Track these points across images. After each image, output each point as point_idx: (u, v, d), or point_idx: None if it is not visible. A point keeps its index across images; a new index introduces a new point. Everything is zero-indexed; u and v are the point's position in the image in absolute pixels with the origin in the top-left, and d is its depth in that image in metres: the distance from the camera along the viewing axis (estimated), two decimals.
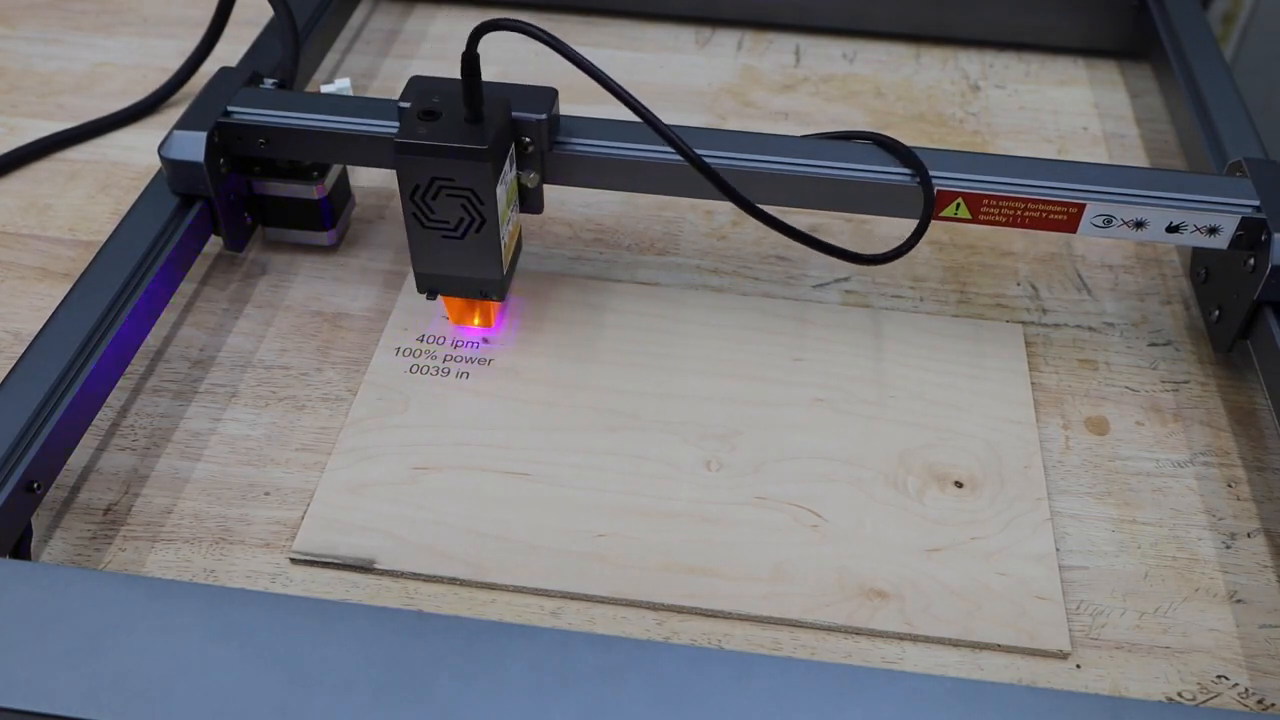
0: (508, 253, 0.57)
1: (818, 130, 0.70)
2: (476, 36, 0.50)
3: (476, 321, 0.60)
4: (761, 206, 0.55)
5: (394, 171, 0.53)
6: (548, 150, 0.57)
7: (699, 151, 0.54)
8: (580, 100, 0.63)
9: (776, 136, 0.60)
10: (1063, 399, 0.59)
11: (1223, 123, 0.68)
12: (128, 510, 0.52)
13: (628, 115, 0.53)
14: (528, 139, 0.56)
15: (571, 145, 0.58)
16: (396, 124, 0.58)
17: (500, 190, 0.54)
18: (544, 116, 0.56)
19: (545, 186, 0.59)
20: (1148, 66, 0.82)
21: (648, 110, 0.52)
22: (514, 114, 0.55)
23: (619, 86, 0.51)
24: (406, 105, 0.54)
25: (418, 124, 0.52)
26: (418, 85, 0.55)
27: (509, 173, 0.55)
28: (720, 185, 0.54)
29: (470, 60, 0.51)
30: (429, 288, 0.58)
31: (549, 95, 0.56)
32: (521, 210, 0.59)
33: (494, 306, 0.60)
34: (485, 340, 0.60)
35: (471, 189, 0.53)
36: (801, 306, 0.63)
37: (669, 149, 0.54)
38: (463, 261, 0.56)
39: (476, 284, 0.57)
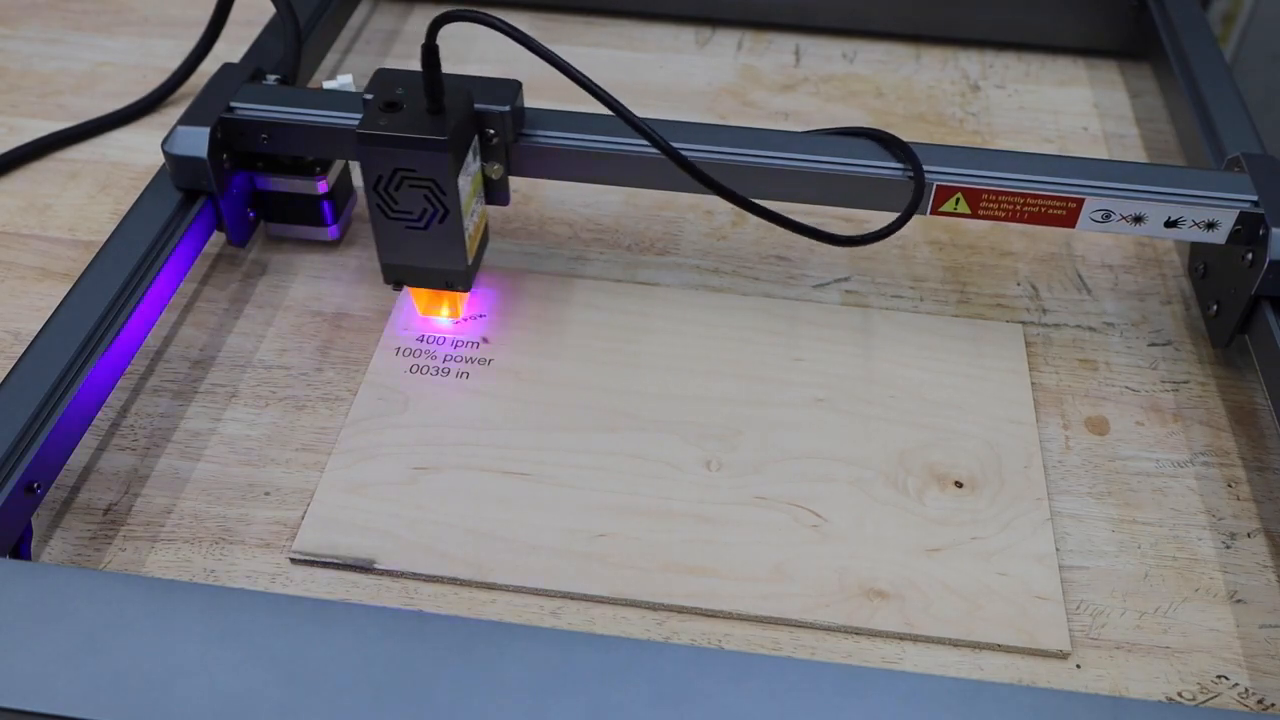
0: (472, 244, 0.57)
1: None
2: (435, 28, 0.50)
3: (444, 313, 0.60)
4: (755, 200, 0.55)
5: None
6: (512, 142, 0.57)
7: (692, 147, 0.54)
8: (580, 99, 0.62)
9: (771, 131, 0.60)
10: (1063, 399, 0.59)
11: (1222, 122, 0.68)
12: (128, 510, 0.52)
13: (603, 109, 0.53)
14: (491, 131, 0.56)
15: (536, 137, 0.58)
16: None
17: (463, 181, 0.54)
18: (507, 108, 0.56)
19: (530, 181, 0.59)
20: (1148, 66, 0.82)
21: (613, 97, 0.52)
22: (477, 106, 0.55)
23: (583, 75, 0.51)
24: (370, 96, 0.54)
25: (379, 115, 0.53)
26: (382, 77, 0.56)
27: (472, 164, 0.56)
28: (692, 171, 0.54)
29: (429, 51, 0.51)
30: (395, 279, 0.58)
31: (513, 87, 0.57)
32: (487, 202, 0.60)
33: (460, 298, 0.60)
34: (485, 340, 0.60)
35: (433, 179, 0.53)
36: (801, 306, 0.63)
37: (636, 140, 0.54)
38: (427, 252, 0.56)
39: (441, 275, 0.57)
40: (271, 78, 0.64)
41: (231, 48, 0.73)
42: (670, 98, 0.79)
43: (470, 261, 0.57)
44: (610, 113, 0.53)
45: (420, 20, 0.85)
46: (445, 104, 0.53)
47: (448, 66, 0.53)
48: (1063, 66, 0.84)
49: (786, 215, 0.56)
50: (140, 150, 0.72)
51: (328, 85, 0.63)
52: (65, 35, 0.83)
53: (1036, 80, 0.82)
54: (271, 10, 0.70)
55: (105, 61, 0.80)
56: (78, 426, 0.51)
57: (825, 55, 0.84)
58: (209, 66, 0.69)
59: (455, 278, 0.57)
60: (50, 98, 0.77)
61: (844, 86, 0.81)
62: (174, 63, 0.77)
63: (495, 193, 0.60)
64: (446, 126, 0.52)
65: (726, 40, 0.85)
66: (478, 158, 0.57)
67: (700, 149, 0.57)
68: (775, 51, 0.84)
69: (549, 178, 0.60)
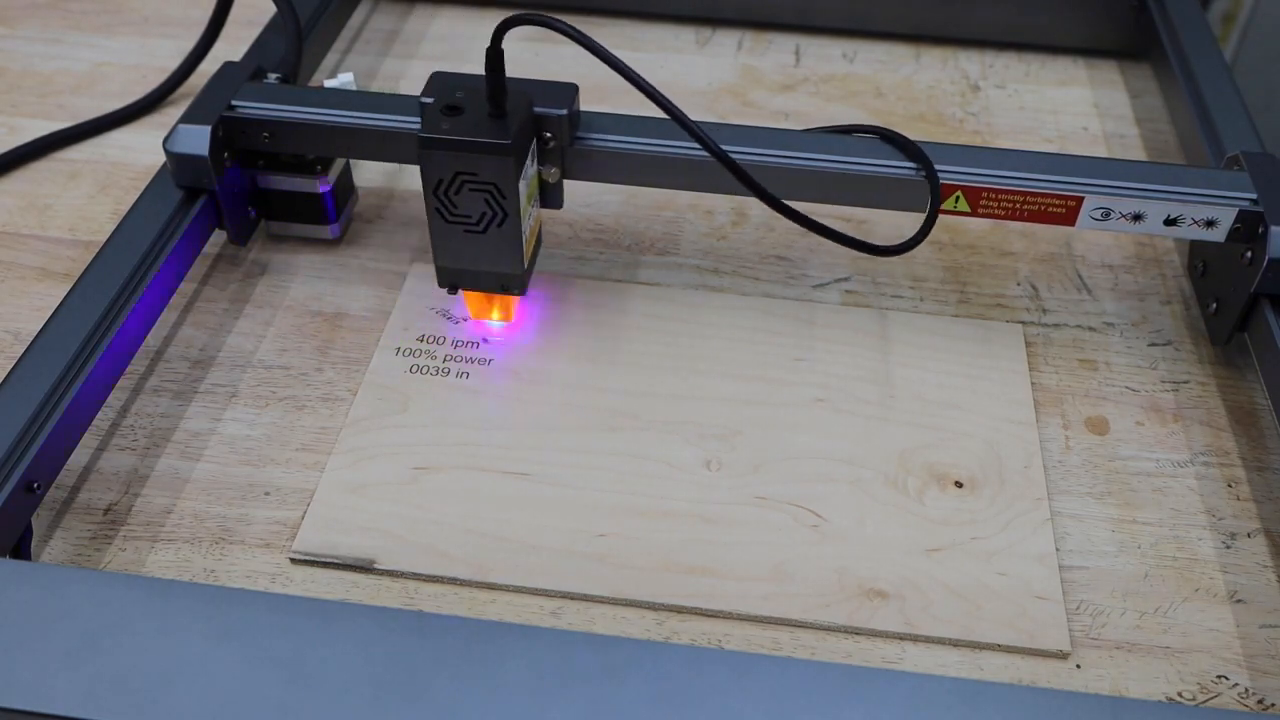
0: (529, 247, 0.57)
1: None
2: (502, 31, 0.50)
3: (495, 316, 0.60)
4: (795, 208, 0.55)
5: (397, 167, 0.53)
6: (568, 145, 0.58)
7: (730, 148, 0.54)
8: (590, 100, 0.63)
9: (783, 130, 0.60)
10: (1063, 399, 0.59)
11: (1222, 122, 0.68)
12: (128, 510, 0.52)
13: (646, 111, 0.53)
14: (549, 134, 0.57)
15: (592, 140, 0.58)
16: (400, 118, 0.59)
17: (522, 185, 0.54)
18: (565, 111, 0.56)
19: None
20: (1148, 66, 0.82)
21: (672, 103, 0.52)
22: (536, 109, 0.55)
23: (643, 79, 0.51)
24: (429, 100, 0.54)
25: (441, 119, 0.53)
26: (440, 80, 0.56)
27: (530, 167, 0.56)
28: (744, 179, 0.54)
29: (494, 55, 0.51)
30: (450, 282, 0.58)
31: (570, 91, 0.57)
32: (542, 205, 0.60)
33: (513, 301, 0.60)
34: (485, 340, 0.60)
35: (494, 183, 0.53)
36: (802, 306, 0.63)
37: (689, 143, 0.54)
38: (484, 256, 0.56)
39: (497, 278, 0.57)
40: (273, 76, 0.64)
41: (231, 47, 0.73)
42: (670, 98, 0.79)
43: (526, 264, 0.57)
44: (662, 115, 0.53)
45: (420, 20, 0.85)
46: (507, 108, 0.53)
47: (457, 66, 0.53)
48: (1063, 66, 0.84)
49: (834, 229, 0.57)
50: (140, 150, 0.72)
51: (329, 84, 0.63)
52: (65, 35, 0.83)
53: (1036, 80, 0.82)
54: (271, 10, 0.70)
55: (105, 61, 0.80)
56: (78, 426, 0.51)
57: (825, 55, 0.84)
58: (209, 66, 0.69)
59: (511, 281, 0.57)
60: (50, 98, 0.77)
61: (844, 86, 0.81)
62: (174, 63, 0.77)
63: (550, 196, 0.60)
64: (509, 130, 0.52)
65: (726, 40, 0.85)
66: (535, 161, 0.57)
67: (732, 150, 0.57)
68: (775, 51, 0.84)
69: (603, 181, 0.60)
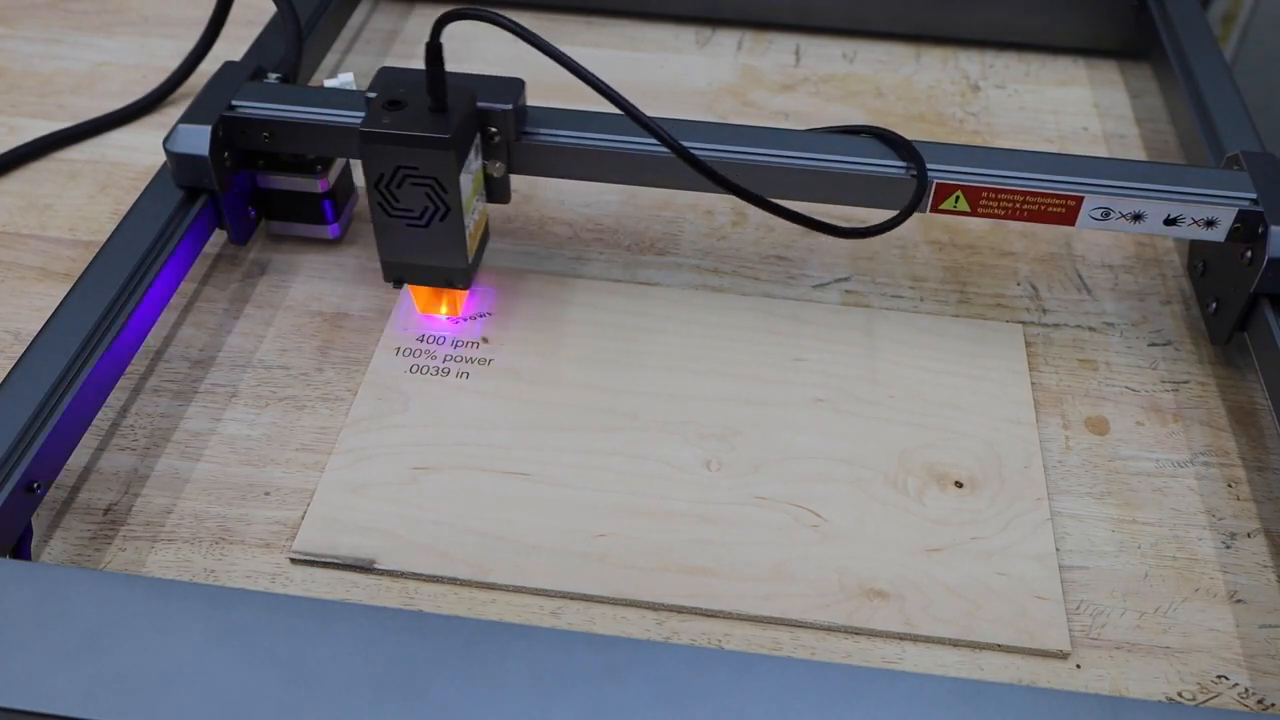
0: (473, 242, 0.58)
1: None
2: (440, 26, 0.50)
3: (443, 311, 0.61)
4: (743, 186, 0.55)
5: None
6: (514, 140, 0.58)
7: (698, 145, 0.54)
8: (584, 98, 0.63)
9: (773, 130, 0.60)
10: (1063, 399, 0.59)
11: (1222, 122, 0.68)
12: (128, 510, 0.52)
13: (601, 106, 0.53)
14: (493, 129, 0.57)
15: (539, 135, 0.58)
16: None
17: (464, 179, 0.54)
18: (509, 106, 0.56)
19: (530, 181, 0.59)
20: (1148, 66, 0.82)
21: (623, 97, 0.52)
22: (480, 104, 0.56)
23: (588, 72, 0.51)
24: (373, 95, 0.54)
25: (382, 113, 0.53)
26: (385, 75, 0.56)
27: (474, 162, 0.56)
28: (700, 168, 0.54)
29: (433, 49, 0.51)
30: (395, 276, 0.58)
31: (516, 86, 0.57)
32: (489, 200, 0.60)
33: (460, 295, 0.60)
34: (485, 340, 0.60)
35: (435, 178, 0.53)
36: (802, 306, 0.63)
37: (639, 137, 0.55)
38: (428, 250, 0.56)
39: (442, 273, 0.58)
40: (273, 76, 0.64)
41: (231, 47, 0.73)
42: (670, 98, 0.79)
43: (471, 259, 0.57)
44: (613, 110, 0.53)
45: (421, 20, 0.85)
46: (448, 102, 0.53)
47: (448, 66, 0.53)
48: (1063, 66, 0.84)
49: (790, 209, 0.56)
50: (140, 150, 0.72)
51: (329, 84, 0.63)
52: (65, 35, 0.83)
53: (1036, 80, 0.82)
54: (271, 10, 0.70)
55: (105, 61, 0.80)
56: (78, 426, 0.51)
57: (825, 55, 0.84)
58: (209, 66, 0.69)
59: (455, 275, 0.58)
60: (50, 98, 0.77)
61: (844, 86, 0.81)
62: (174, 63, 0.77)
63: (496, 191, 0.60)
64: (449, 125, 0.52)
65: (726, 40, 0.85)
66: (479, 156, 0.57)
67: (704, 147, 0.57)
68: (775, 51, 0.84)
69: (551, 176, 0.60)
